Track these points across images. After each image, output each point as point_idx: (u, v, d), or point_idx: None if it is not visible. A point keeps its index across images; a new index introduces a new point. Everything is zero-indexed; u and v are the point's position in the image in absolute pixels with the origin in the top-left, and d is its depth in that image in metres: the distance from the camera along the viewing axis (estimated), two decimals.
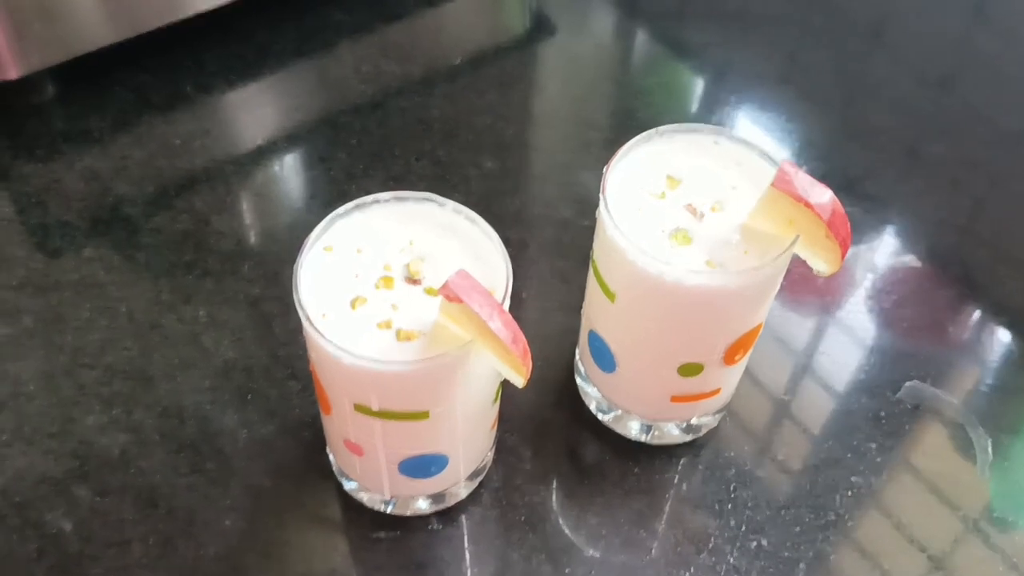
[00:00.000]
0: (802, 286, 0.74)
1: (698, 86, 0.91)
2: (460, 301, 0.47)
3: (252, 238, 0.75)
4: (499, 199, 0.78)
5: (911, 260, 0.77)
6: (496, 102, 0.85)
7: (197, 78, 0.84)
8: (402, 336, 0.50)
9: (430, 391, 0.51)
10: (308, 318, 0.50)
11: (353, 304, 0.51)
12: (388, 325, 0.50)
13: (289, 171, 0.80)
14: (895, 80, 0.91)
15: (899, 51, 0.94)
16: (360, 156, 0.80)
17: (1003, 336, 0.72)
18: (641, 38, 0.95)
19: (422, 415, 0.52)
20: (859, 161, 0.83)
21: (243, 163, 0.80)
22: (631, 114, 0.87)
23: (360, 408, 0.52)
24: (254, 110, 0.85)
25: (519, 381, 0.50)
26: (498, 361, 0.49)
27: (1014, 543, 0.62)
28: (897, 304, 0.73)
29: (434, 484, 0.59)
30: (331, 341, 0.49)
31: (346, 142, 0.81)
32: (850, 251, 0.74)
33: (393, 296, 0.51)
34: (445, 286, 0.47)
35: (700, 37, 0.93)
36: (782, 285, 0.57)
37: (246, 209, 0.77)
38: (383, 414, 0.52)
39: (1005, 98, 0.90)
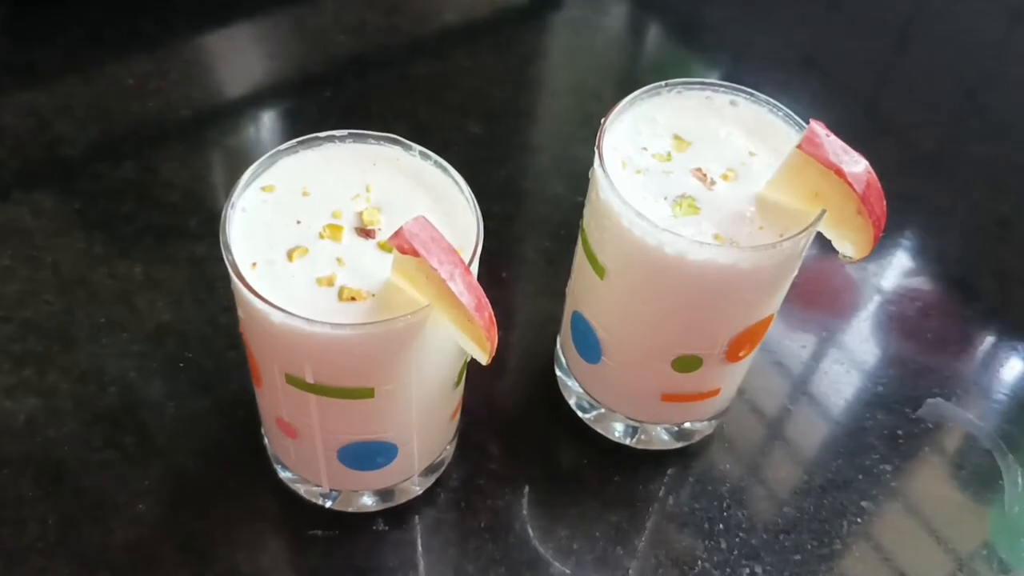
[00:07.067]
0: (819, 281, 0.67)
1: (714, 64, 0.84)
2: (416, 254, 0.39)
3: (203, 192, 0.67)
4: (484, 168, 0.71)
5: (940, 266, 0.71)
6: (489, 64, 0.79)
7: (161, 16, 0.77)
8: (346, 295, 0.42)
9: (376, 364, 0.43)
10: (234, 265, 0.42)
11: (291, 255, 0.43)
12: (331, 282, 0.43)
13: (251, 122, 0.74)
14: (930, 75, 0.85)
15: (935, 46, 0.88)
16: (332, 111, 0.73)
17: None
18: (656, 12, 0.88)
19: (366, 393, 0.44)
20: (887, 156, 0.75)
21: (202, 110, 0.73)
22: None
23: (292, 380, 0.44)
24: (221, 55, 0.78)
25: (482, 357, 0.42)
26: (458, 332, 0.41)
27: None
28: (923, 313, 0.67)
29: (381, 478, 0.52)
30: (258, 294, 0.41)
31: (318, 95, 0.74)
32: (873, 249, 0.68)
33: (340, 249, 0.44)
34: (398, 234, 0.39)
35: (720, 13, 0.88)
36: (797, 277, 0.49)
37: (199, 160, 0.70)
38: (319, 389, 0.44)
39: None
